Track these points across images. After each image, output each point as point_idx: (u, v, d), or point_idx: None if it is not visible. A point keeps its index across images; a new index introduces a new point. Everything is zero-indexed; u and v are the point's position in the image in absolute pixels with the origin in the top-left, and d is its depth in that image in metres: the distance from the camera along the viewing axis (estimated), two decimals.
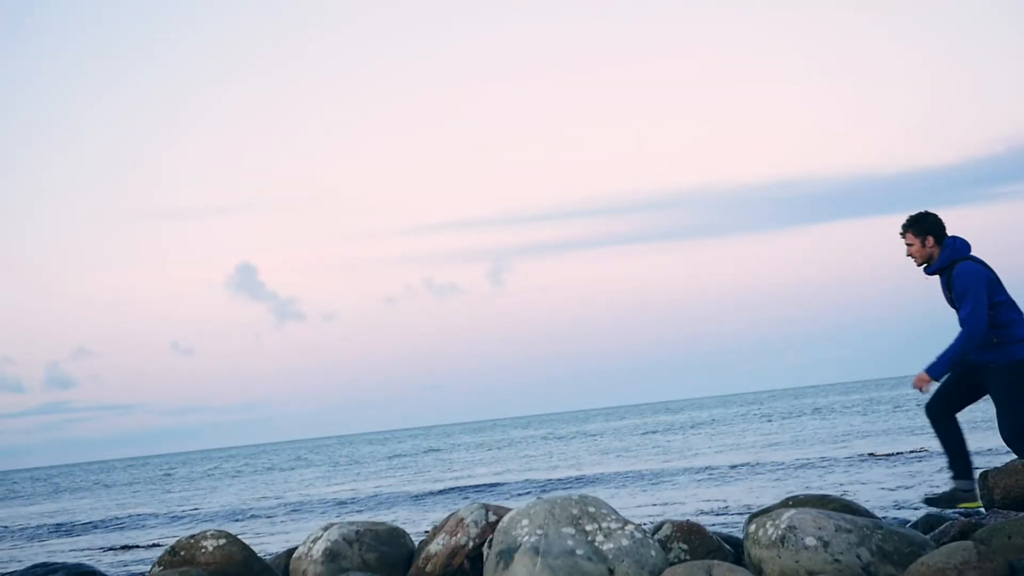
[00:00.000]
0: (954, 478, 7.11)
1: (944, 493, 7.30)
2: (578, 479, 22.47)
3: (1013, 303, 7.29)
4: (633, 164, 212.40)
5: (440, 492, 22.71)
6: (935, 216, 7.49)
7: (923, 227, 7.45)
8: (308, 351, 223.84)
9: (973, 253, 7.40)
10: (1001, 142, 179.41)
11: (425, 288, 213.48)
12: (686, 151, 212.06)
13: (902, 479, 15.10)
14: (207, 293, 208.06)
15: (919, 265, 7.55)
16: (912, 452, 19.22)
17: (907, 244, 7.54)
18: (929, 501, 7.29)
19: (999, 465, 7.86)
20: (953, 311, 7.40)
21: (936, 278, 7.57)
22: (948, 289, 7.43)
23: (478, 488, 22.55)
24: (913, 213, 7.53)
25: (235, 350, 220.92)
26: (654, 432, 45.43)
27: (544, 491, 19.80)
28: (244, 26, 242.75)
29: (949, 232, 7.39)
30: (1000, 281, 7.29)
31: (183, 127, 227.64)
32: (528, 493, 20.00)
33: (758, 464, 21.18)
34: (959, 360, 7.18)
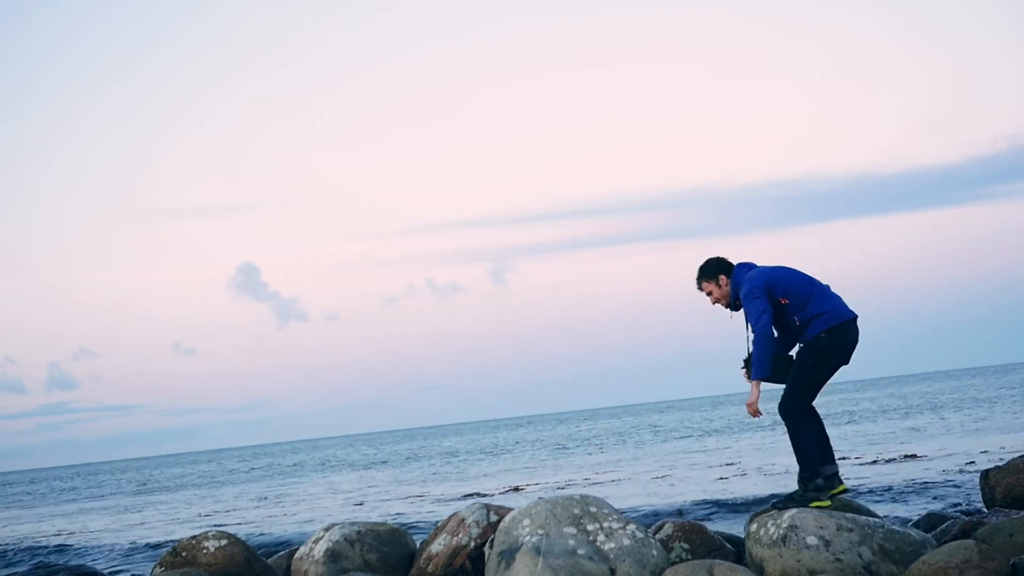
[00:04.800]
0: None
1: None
2: (581, 479, 22.46)
3: (811, 290, 7.02)
4: (633, 164, 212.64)
5: (441, 492, 22.70)
6: (716, 258, 7.39)
7: (711, 271, 7.37)
8: (310, 351, 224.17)
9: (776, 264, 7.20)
10: (1002, 141, 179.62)
11: (427, 288, 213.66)
12: (685, 151, 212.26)
13: (903, 479, 15.09)
14: (209, 293, 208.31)
15: (726, 307, 7.42)
16: (911, 454, 19.20)
17: (707, 294, 7.44)
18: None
19: (1000, 464, 7.85)
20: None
21: (741, 314, 7.31)
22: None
23: (478, 489, 22.54)
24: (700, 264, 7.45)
25: (237, 350, 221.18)
26: (655, 432, 45.42)
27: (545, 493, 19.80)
28: (245, 27, 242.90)
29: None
30: (795, 276, 7.08)
31: (184, 127, 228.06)
32: (530, 495, 19.98)
33: (759, 463, 21.17)
34: (769, 359, 6.98)
